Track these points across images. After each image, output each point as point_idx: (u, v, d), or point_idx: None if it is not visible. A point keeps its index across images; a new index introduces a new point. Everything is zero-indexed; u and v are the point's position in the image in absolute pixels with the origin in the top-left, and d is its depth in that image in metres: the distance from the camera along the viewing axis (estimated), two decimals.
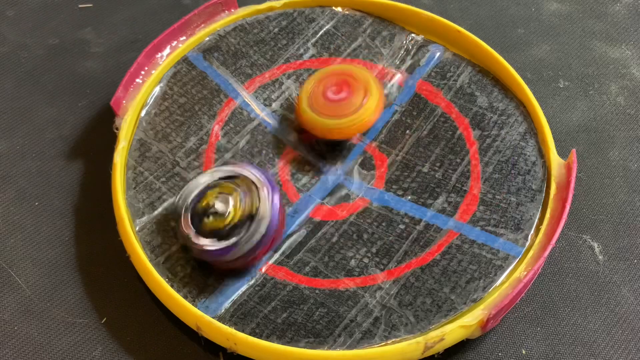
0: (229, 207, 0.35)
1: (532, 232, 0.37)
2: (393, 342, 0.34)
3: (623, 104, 0.46)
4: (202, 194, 0.36)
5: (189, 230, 0.35)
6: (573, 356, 0.36)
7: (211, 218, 0.35)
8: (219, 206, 0.35)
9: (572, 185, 0.37)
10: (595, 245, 0.40)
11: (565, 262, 0.39)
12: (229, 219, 0.35)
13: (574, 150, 0.39)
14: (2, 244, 0.39)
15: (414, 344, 0.33)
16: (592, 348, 0.36)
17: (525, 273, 0.35)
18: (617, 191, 0.42)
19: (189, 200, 0.36)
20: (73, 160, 0.43)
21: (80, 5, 0.50)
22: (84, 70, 0.47)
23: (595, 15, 0.51)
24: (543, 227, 0.37)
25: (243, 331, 0.34)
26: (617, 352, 0.36)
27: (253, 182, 0.36)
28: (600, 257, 0.39)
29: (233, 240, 0.34)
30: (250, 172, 0.36)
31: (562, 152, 0.42)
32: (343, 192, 0.40)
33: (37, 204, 0.41)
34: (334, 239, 0.38)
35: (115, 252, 0.38)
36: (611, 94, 0.47)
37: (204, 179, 0.36)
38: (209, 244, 0.35)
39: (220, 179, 0.36)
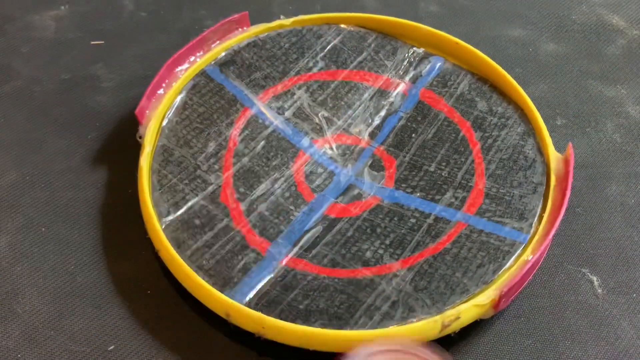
0: None
1: (535, 220, 0.39)
2: (411, 323, 0.35)
3: (619, 141, 0.47)
4: None
5: None
6: None
7: None
8: None
9: (571, 175, 0.39)
10: (594, 279, 0.40)
11: (565, 295, 0.39)
12: None
13: (570, 143, 0.41)
14: (8, 272, 0.39)
15: (432, 322, 0.34)
16: None
17: (531, 256, 0.37)
18: (614, 226, 0.42)
19: None
20: (81, 190, 0.43)
21: (92, 42, 0.52)
22: (94, 104, 0.48)
23: (590, 56, 0.52)
24: (546, 215, 0.39)
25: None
26: None
27: None
28: (599, 290, 0.39)
29: None
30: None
31: None
32: (355, 191, 0.41)
33: (43, 229, 0.41)
34: (349, 233, 0.39)
35: (120, 282, 0.39)
36: (607, 132, 0.47)
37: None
38: None
39: None
